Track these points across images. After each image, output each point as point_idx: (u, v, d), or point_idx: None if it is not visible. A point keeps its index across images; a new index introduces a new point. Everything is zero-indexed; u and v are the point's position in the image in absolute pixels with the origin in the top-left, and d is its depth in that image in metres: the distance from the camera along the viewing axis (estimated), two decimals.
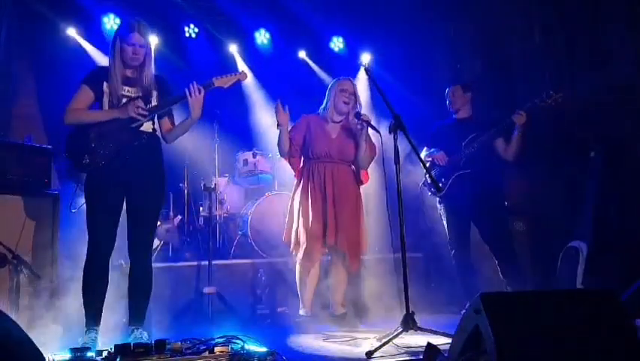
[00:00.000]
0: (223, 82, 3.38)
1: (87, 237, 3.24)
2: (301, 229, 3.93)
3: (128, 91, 3.29)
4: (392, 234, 3.36)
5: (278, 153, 5.68)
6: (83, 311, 3.21)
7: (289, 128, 4.00)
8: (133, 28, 3.24)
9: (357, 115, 3.90)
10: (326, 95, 4.12)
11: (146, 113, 3.24)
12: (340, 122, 4.07)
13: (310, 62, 6.81)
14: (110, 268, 3.30)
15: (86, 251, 3.25)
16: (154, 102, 3.33)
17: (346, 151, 4.01)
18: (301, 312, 3.99)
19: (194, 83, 3.31)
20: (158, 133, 3.44)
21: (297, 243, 3.96)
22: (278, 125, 3.90)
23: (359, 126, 3.91)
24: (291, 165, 4.12)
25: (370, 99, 5.68)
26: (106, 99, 3.27)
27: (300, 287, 4.01)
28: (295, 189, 4.10)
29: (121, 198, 3.28)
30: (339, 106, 4.01)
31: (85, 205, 3.30)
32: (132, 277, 3.30)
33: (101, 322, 3.21)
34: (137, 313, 3.25)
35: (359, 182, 4.10)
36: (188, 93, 3.27)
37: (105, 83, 3.27)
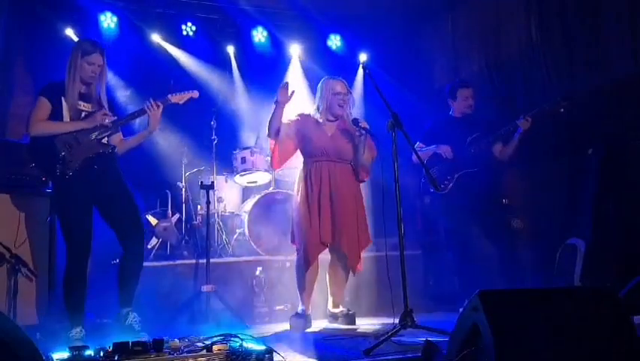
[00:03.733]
0: (178, 99, 3.65)
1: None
2: (301, 230, 3.92)
3: (83, 106, 3.49)
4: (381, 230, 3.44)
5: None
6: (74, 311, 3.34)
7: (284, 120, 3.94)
8: (95, 49, 3.45)
9: (355, 122, 3.86)
10: (317, 95, 4.06)
11: (110, 123, 3.46)
12: (335, 121, 4.04)
13: (308, 60, 6.79)
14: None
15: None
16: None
17: (343, 150, 3.97)
18: (300, 310, 3.99)
19: (152, 99, 3.55)
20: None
21: (298, 243, 3.96)
22: (276, 101, 3.83)
23: (357, 134, 3.88)
24: (272, 148, 4.02)
25: (367, 97, 5.68)
26: (66, 113, 3.43)
27: (299, 286, 4.01)
28: (296, 190, 4.06)
29: (91, 205, 3.47)
30: (334, 109, 3.97)
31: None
32: (125, 262, 3.50)
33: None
34: (129, 296, 3.46)
35: (359, 180, 4.07)
36: (147, 109, 3.52)
37: (63, 98, 3.44)
